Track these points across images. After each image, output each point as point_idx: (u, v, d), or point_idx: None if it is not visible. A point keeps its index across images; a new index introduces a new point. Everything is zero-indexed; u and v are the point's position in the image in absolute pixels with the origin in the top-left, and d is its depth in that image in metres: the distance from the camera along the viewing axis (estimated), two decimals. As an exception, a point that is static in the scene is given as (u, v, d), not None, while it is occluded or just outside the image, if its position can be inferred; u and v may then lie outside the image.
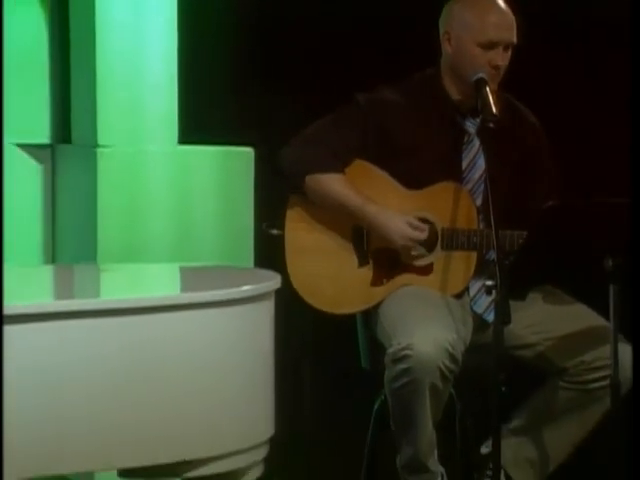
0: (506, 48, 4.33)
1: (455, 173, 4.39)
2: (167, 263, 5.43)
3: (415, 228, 4.30)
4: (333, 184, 4.35)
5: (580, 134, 5.33)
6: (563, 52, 5.49)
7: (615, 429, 4.04)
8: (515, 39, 4.33)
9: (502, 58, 4.32)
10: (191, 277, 4.22)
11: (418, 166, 4.36)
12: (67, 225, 6.44)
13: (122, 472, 3.50)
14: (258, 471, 3.62)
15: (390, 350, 4.15)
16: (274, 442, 3.66)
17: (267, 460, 3.66)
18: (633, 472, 3.55)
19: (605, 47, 6.84)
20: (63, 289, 4.41)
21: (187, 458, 3.43)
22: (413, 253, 4.31)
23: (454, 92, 4.41)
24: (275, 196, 4.58)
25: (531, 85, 4.55)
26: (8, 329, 3.19)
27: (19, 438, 3.19)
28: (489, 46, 4.31)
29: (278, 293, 3.72)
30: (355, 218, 4.36)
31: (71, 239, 6.41)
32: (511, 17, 4.34)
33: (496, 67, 4.30)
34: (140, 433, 3.34)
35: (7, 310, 3.25)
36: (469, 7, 4.38)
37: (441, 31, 4.42)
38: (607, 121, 6.21)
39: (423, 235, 4.31)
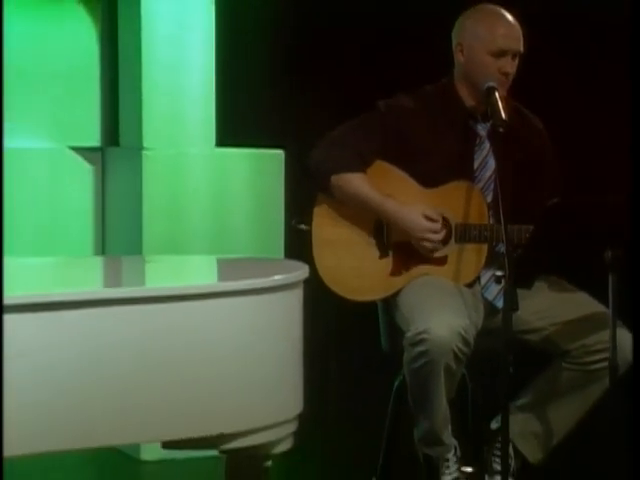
0: (514, 56, 4.32)
1: (468, 172, 4.38)
2: (205, 255, 5.44)
3: (430, 220, 4.30)
4: (356, 183, 4.34)
5: (581, 137, 5.29)
6: (564, 61, 5.47)
7: (614, 407, 4.05)
8: (522, 48, 4.33)
9: (511, 66, 4.32)
10: (227, 267, 4.22)
11: (434, 166, 4.36)
12: (115, 220, 6.47)
13: (165, 443, 3.51)
14: (288, 444, 3.62)
15: (408, 334, 4.14)
16: (302, 418, 3.66)
17: (296, 434, 3.65)
18: (633, 450, 3.47)
19: (602, 55, 6.83)
20: (112, 278, 4.41)
21: (225, 432, 3.42)
22: (428, 245, 4.31)
23: (467, 99, 4.40)
24: (303, 194, 4.58)
25: (536, 92, 4.53)
26: (65, 314, 3.21)
27: (77, 410, 3.21)
28: (499, 54, 4.30)
29: (306, 283, 3.71)
30: (376, 214, 4.36)
31: (119, 233, 6.44)
32: (518, 28, 4.35)
33: (505, 74, 4.30)
34: (182, 408, 3.34)
35: (62, 297, 3.26)
36: (480, 20, 4.38)
37: (454, 43, 4.41)
38: (606, 125, 6.20)
39: (438, 226, 4.31)
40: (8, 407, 3.06)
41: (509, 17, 4.38)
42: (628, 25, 3.82)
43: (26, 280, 3.79)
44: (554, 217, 4.13)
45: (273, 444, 3.57)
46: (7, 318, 3.10)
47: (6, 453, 3.12)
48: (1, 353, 3.01)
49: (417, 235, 4.31)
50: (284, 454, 3.64)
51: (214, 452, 3.56)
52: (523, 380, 4.30)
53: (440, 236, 4.32)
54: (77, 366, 3.23)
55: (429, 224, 4.31)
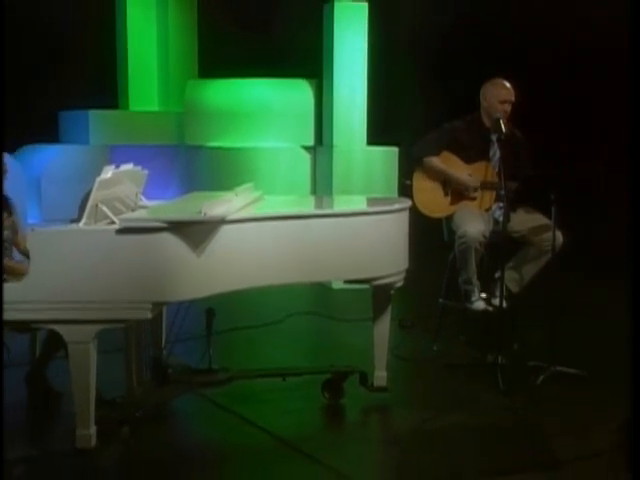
0: (510, 103, 4.23)
1: (486, 158, 4.27)
2: (362, 195, 5.49)
3: (472, 177, 4.26)
4: (435, 162, 4.27)
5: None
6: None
7: (553, 269, 4.00)
8: (514, 99, 4.24)
9: (508, 108, 4.23)
10: (373, 202, 4.19)
11: (470, 155, 4.27)
12: (321, 184, 6.58)
13: (346, 280, 3.53)
14: (401, 282, 3.59)
15: (458, 232, 4.13)
16: (407, 270, 3.65)
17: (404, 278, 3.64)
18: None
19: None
20: (319, 204, 4.42)
21: (377, 275, 3.44)
22: (470, 188, 4.24)
23: (486, 122, 4.28)
24: (408, 167, 4.55)
25: (521, 120, 4.44)
26: (303, 223, 3.22)
27: (305, 261, 3.21)
28: (503, 102, 4.22)
29: (410, 209, 3.67)
30: (444, 176, 4.28)
31: (322, 189, 6.53)
32: (512, 89, 4.25)
33: (505, 112, 4.21)
34: (357, 263, 3.34)
35: (299, 213, 3.28)
36: (494, 86, 4.29)
37: (481, 96, 4.31)
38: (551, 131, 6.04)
39: (476, 181, 4.25)
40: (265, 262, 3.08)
41: (507, 84, 4.27)
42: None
43: (277, 205, 3.79)
44: (527, 180, 4.10)
45: (396, 282, 3.55)
46: (268, 224, 3.10)
47: (264, 283, 3.13)
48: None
49: (466, 185, 4.24)
50: (398, 288, 3.63)
51: (367, 286, 3.54)
52: (510, 255, 4.22)
53: (476, 184, 4.25)
54: (304, 241, 3.21)
55: (471, 179, 4.25)
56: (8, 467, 2.80)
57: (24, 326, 2.99)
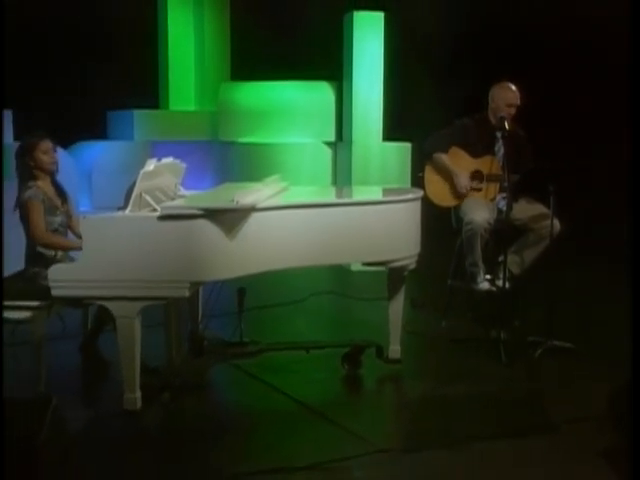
0: (515, 106, 4.17)
1: (492, 152, 4.21)
2: (378, 186, 5.45)
3: (470, 182, 4.19)
4: (442, 158, 4.21)
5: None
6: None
7: (551, 254, 3.97)
8: (519, 102, 4.17)
9: (513, 110, 4.17)
10: (388, 192, 4.16)
11: (478, 150, 4.21)
12: (341, 176, 6.53)
13: (364, 263, 3.52)
14: (414, 265, 3.57)
15: (465, 220, 4.08)
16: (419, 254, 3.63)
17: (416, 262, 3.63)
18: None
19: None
20: (339, 194, 4.36)
21: (392, 258, 3.42)
22: (460, 190, 4.16)
23: (493, 121, 4.22)
24: (419, 161, 4.52)
25: (523, 119, 4.38)
26: (325, 211, 3.20)
27: (325, 246, 3.19)
28: (508, 105, 4.16)
29: (422, 199, 3.65)
30: (449, 173, 4.22)
31: (342, 180, 6.49)
32: (517, 93, 4.18)
33: (509, 113, 4.15)
34: (373, 246, 3.32)
35: (321, 202, 3.27)
36: (501, 89, 4.22)
37: (490, 98, 4.24)
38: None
39: (466, 187, 4.16)
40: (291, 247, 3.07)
41: (514, 88, 4.20)
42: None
43: (301, 194, 3.79)
44: (528, 173, 4.04)
45: (409, 265, 3.52)
46: (293, 212, 3.10)
47: (290, 265, 3.11)
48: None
49: (460, 186, 4.17)
50: (411, 270, 3.60)
51: (383, 268, 3.53)
52: (512, 240, 4.16)
53: (464, 190, 4.15)
54: (326, 227, 3.20)
55: (467, 183, 4.17)
56: (65, 424, 2.86)
57: (77, 302, 3.03)
